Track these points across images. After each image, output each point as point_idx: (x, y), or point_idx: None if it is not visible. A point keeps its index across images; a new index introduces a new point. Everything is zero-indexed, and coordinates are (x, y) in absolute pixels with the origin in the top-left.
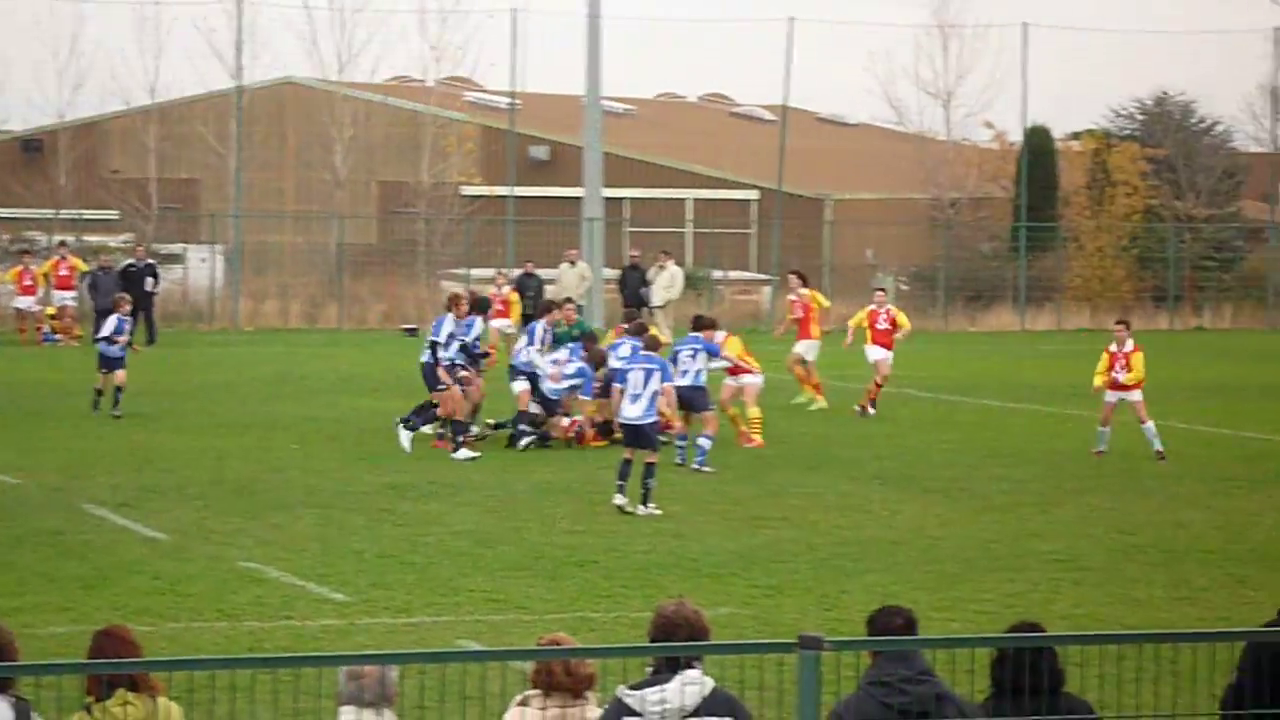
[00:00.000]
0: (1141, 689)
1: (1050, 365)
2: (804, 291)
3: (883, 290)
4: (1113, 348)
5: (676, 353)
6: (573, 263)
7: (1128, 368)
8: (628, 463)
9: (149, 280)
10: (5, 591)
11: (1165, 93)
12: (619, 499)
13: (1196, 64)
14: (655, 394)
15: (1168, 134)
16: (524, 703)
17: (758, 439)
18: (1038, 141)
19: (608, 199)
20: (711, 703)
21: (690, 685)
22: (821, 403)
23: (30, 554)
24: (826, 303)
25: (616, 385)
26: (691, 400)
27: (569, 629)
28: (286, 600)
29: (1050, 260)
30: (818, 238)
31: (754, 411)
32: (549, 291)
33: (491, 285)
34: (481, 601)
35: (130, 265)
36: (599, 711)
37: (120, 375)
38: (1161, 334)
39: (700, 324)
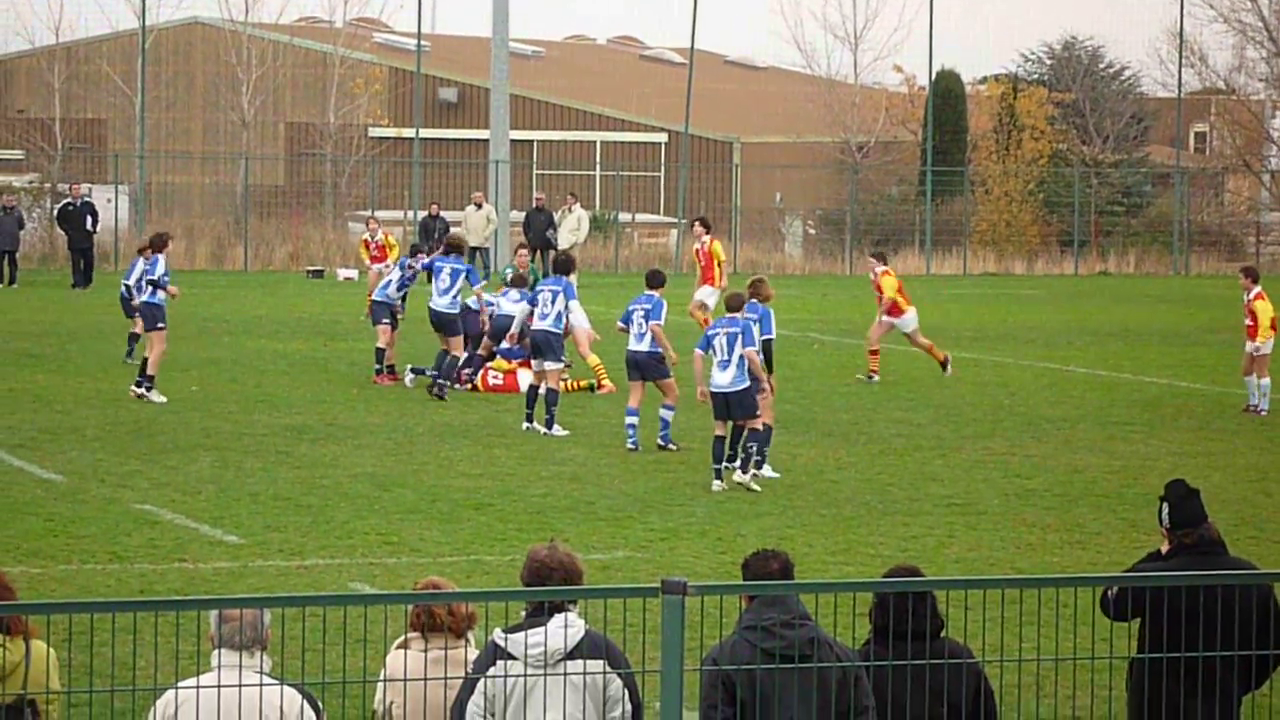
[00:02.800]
0: (1027, 632)
1: (954, 309)
2: (707, 239)
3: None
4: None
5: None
6: (479, 205)
7: (1250, 316)
8: (720, 440)
9: (88, 219)
10: None
11: (1073, 38)
12: (717, 484)
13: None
14: (743, 358)
15: (1076, 79)
16: (404, 645)
17: (608, 384)
18: (946, 85)
19: (515, 141)
20: (585, 646)
21: (564, 628)
22: None
23: None
24: (723, 256)
25: (699, 351)
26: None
27: (463, 572)
28: (179, 543)
29: (957, 205)
30: (726, 181)
31: (593, 359)
32: (454, 234)
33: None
34: (376, 544)
35: (69, 204)
36: (476, 651)
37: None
38: (1067, 279)
39: (654, 281)
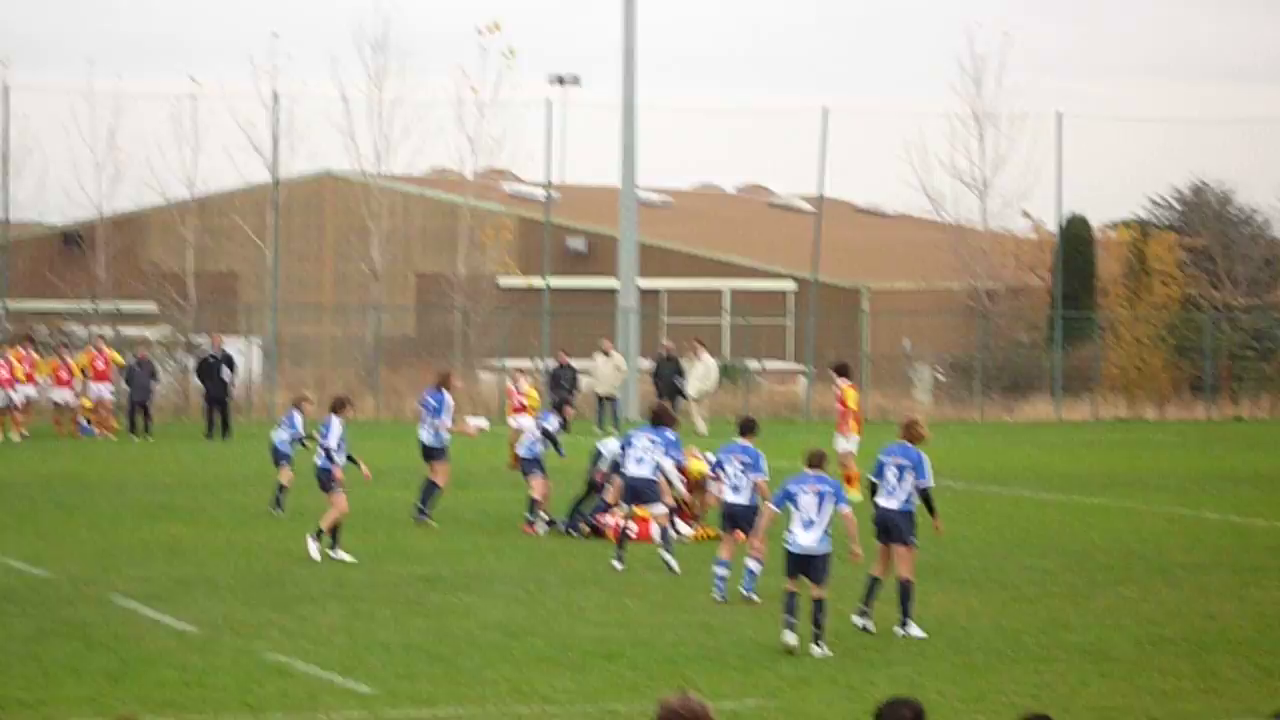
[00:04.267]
0: None
1: (1085, 455)
2: (843, 383)
3: None
4: None
5: (721, 463)
6: (607, 353)
7: None
8: (793, 595)
9: (225, 370)
10: (30, 684)
11: (1203, 182)
12: (789, 637)
13: (1234, 153)
14: (829, 519)
15: (1205, 223)
16: None
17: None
18: (1075, 231)
19: (644, 290)
20: None
21: None
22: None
23: (57, 647)
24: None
25: (773, 507)
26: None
27: None
28: (312, 693)
29: (1087, 350)
30: (854, 328)
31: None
32: (584, 383)
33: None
34: (507, 693)
35: (210, 357)
36: None
37: (286, 473)
38: (1199, 424)
39: (747, 429)
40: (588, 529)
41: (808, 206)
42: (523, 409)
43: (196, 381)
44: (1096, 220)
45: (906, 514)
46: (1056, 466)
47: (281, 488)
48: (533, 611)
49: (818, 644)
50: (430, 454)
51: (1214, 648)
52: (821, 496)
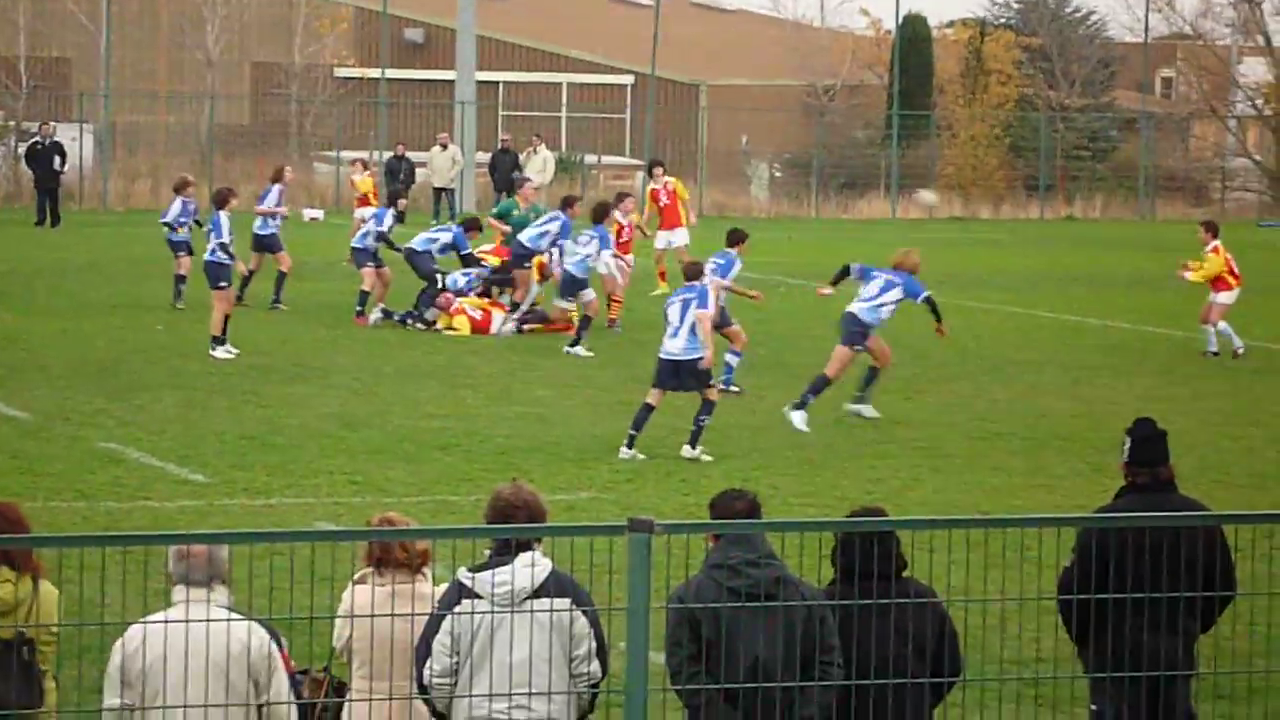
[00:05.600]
0: (991, 574)
1: (920, 253)
2: (669, 180)
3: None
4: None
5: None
6: (444, 146)
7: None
8: (648, 409)
9: (56, 159)
10: None
11: None
12: (624, 453)
13: None
14: (694, 325)
15: (1043, 23)
16: (360, 580)
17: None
18: (913, 29)
19: (481, 83)
20: (551, 584)
21: (529, 567)
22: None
23: None
24: (686, 195)
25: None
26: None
27: (428, 512)
28: (145, 481)
29: (923, 149)
30: (692, 124)
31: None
32: (420, 175)
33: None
34: (342, 484)
35: (37, 143)
36: (432, 587)
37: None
38: (1033, 223)
39: (733, 238)
40: (422, 324)
41: (646, 1)
42: (365, 201)
43: (26, 169)
44: (934, 19)
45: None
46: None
47: (181, 278)
48: (368, 403)
49: (692, 445)
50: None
51: (1045, 444)
52: (685, 304)
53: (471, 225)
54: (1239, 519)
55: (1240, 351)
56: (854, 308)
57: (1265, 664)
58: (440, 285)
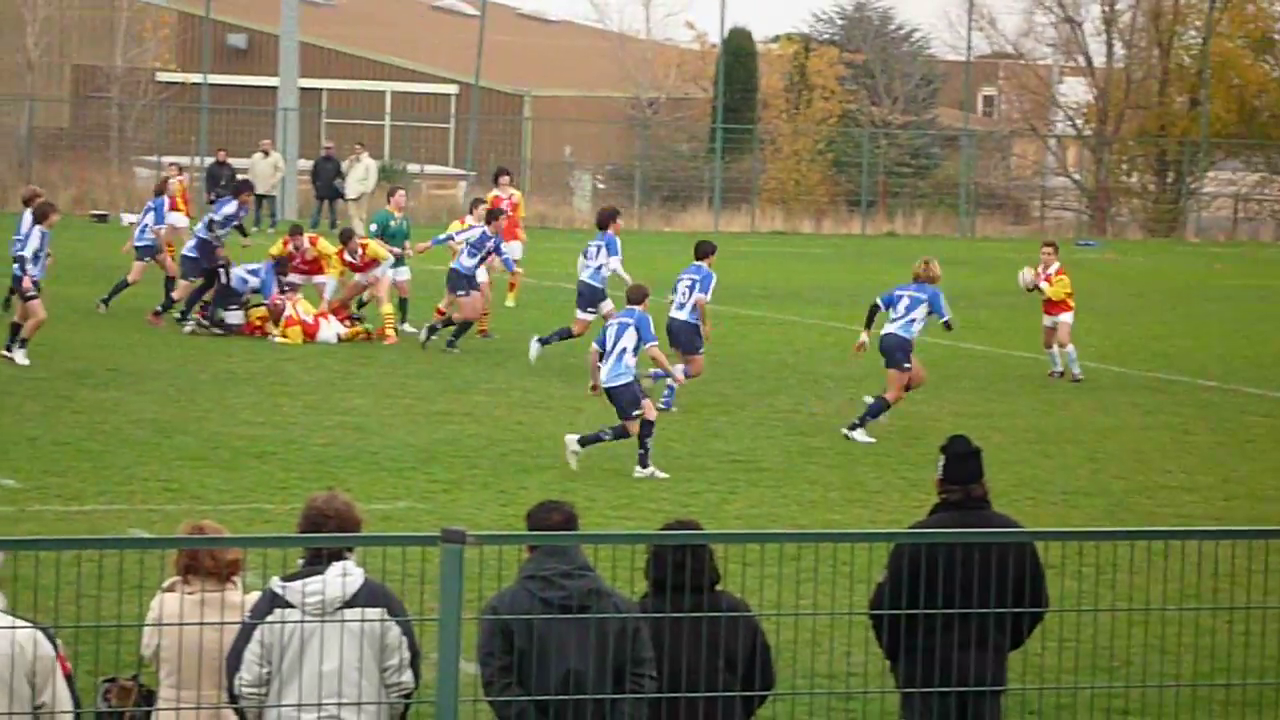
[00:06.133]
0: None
1: (741, 267)
2: (514, 191)
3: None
4: (1039, 269)
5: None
6: (266, 153)
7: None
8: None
9: None
10: None
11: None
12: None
13: None
14: (624, 351)
15: (866, 40)
16: (170, 588)
17: (391, 336)
18: (738, 43)
19: (304, 89)
20: (364, 594)
21: (342, 577)
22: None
23: None
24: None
25: (596, 346)
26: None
27: (243, 520)
28: None
29: (746, 163)
30: (516, 134)
31: (387, 308)
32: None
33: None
34: (157, 491)
35: None
36: (243, 596)
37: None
38: (854, 239)
39: (701, 251)
40: (219, 328)
41: (471, 10)
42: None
43: None
44: (759, 33)
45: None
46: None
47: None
48: (184, 410)
49: (642, 465)
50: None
51: (861, 459)
52: (621, 329)
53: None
54: (1051, 535)
55: (1079, 378)
56: (890, 329)
57: (1074, 680)
58: (226, 281)
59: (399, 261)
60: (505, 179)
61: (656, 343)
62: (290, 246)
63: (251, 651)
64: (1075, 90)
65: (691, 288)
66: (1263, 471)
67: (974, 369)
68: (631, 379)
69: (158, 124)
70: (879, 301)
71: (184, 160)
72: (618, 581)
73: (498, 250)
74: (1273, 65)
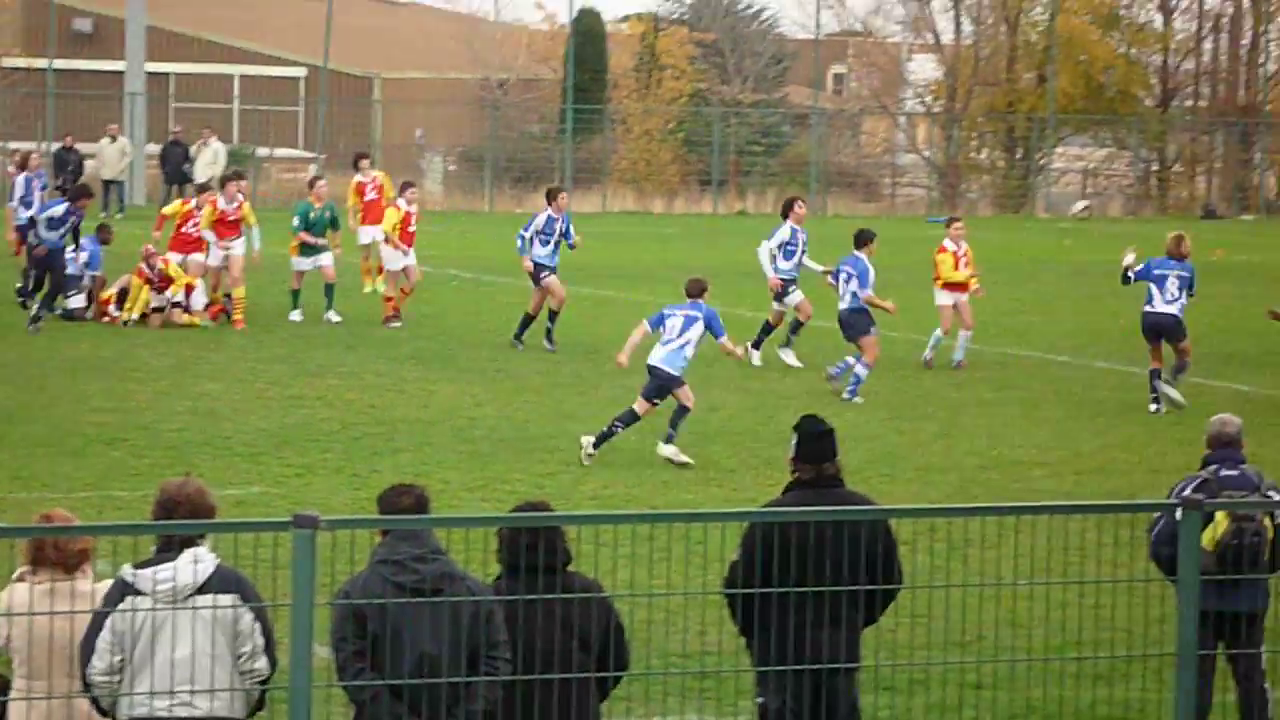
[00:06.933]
0: (660, 568)
1: (594, 247)
2: (375, 174)
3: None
4: (950, 246)
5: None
6: (113, 138)
7: (970, 265)
8: (632, 415)
9: None
10: None
11: None
12: (589, 447)
13: None
14: (688, 344)
15: (716, 19)
16: (19, 578)
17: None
18: (587, 24)
19: (151, 74)
20: (216, 581)
21: (193, 564)
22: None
23: None
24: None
25: (646, 325)
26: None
27: (94, 508)
28: None
29: (598, 143)
30: (366, 117)
31: (239, 291)
32: (89, 167)
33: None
34: (5, 479)
35: None
36: (93, 585)
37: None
38: (706, 218)
39: (861, 239)
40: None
41: None
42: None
43: None
44: (609, 13)
45: (1177, 319)
46: (566, 258)
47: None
48: (33, 397)
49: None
50: None
51: (716, 438)
52: (688, 322)
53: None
54: (905, 513)
55: (962, 364)
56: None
57: (928, 655)
58: (61, 269)
59: (317, 250)
60: (365, 162)
61: (726, 335)
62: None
63: (103, 640)
64: (924, 68)
65: (849, 279)
66: (1112, 446)
67: (826, 346)
68: (683, 371)
69: (2, 110)
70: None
71: (29, 146)
72: (471, 564)
73: (567, 234)
74: (1119, 41)
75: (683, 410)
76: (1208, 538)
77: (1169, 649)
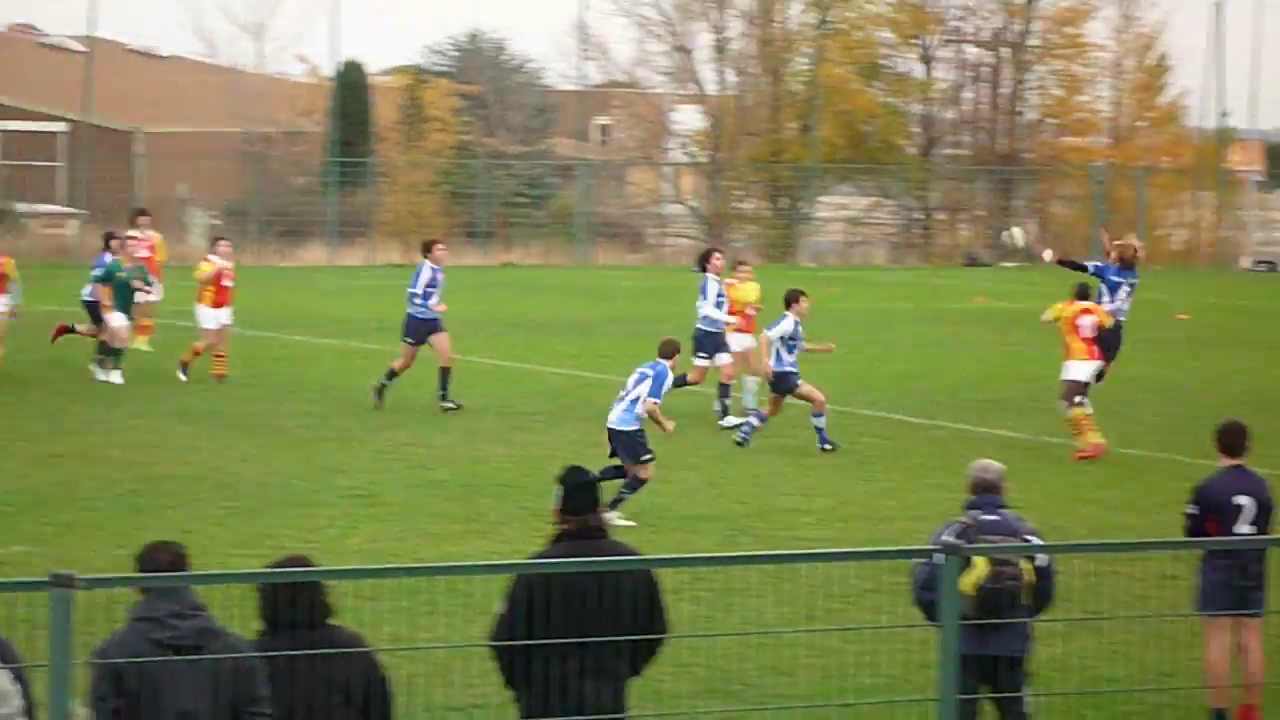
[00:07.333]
0: (429, 620)
1: (359, 300)
2: (151, 233)
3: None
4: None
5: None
6: None
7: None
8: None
9: None
10: None
11: (478, 30)
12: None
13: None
14: (637, 400)
15: (480, 71)
16: None
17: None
18: (350, 76)
19: None
20: None
21: None
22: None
23: None
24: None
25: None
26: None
27: None
28: None
29: (363, 196)
30: (128, 172)
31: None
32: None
33: None
34: None
35: None
36: None
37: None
38: (472, 270)
39: (790, 298)
40: None
41: (79, 46)
42: None
43: None
44: (373, 66)
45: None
46: (331, 312)
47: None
48: None
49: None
50: None
51: (482, 490)
52: (640, 378)
53: None
54: (670, 562)
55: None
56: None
57: (693, 705)
58: None
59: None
60: (145, 219)
61: (659, 401)
62: None
63: None
64: (689, 118)
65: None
66: (878, 493)
67: (592, 398)
68: (637, 427)
69: None
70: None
71: None
72: (233, 621)
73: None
74: (880, 91)
75: (635, 480)
76: (967, 582)
77: (933, 694)
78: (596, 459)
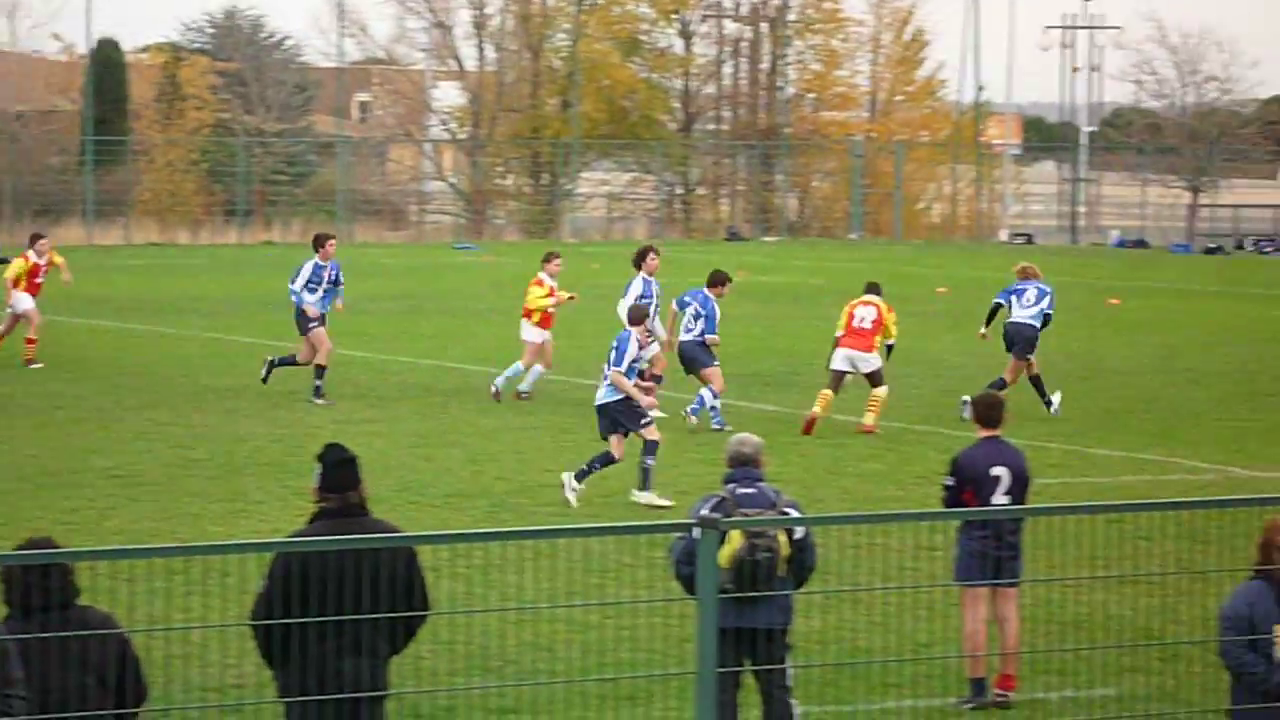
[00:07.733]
0: (190, 601)
1: (118, 280)
2: None
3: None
4: (546, 280)
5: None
6: None
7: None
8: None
9: None
10: None
11: (235, 7)
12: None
13: None
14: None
15: (238, 48)
16: None
17: None
18: (106, 54)
19: None
20: None
21: None
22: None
23: None
24: None
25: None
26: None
27: None
28: None
29: (120, 174)
30: None
31: None
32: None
33: None
34: None
35: None
36: None
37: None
38: (231, 248)
39: (714, 280)
40: None
41: None
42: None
43: None
44: (128, 43)
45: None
46: (89, 291)
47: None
48: None
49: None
50: None
51: (243, 470)
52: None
53: None
54: (430, 539)
55: (528, 395)
56: (1019, 317)
57: (455, 682)
58: None
59: None
60: None
61: (622, 369)
62: None
63: None
64: (449, 94)
65: (697, 317)
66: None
67: (354, 376)
68: (623, 396)
69: None
70: (1000, 300)
71: None
72: None
73: (337, 281)
74: (640, 66)
75: (606, 456)
76: (724, 555)
77: (693, 668)
78: (359, 438)
